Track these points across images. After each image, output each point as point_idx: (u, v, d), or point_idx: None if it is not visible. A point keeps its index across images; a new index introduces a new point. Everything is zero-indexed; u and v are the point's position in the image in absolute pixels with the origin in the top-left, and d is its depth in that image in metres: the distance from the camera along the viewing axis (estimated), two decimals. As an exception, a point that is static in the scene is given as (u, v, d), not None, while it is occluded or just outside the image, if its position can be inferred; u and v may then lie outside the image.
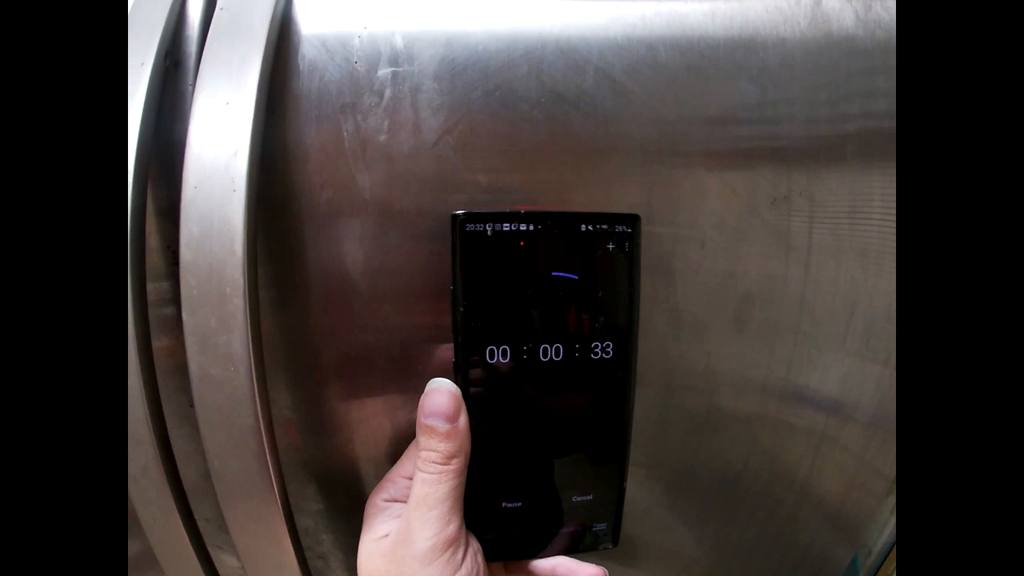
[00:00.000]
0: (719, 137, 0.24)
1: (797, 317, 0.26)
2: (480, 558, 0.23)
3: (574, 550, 0.24)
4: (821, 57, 0.25)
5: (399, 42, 0.22)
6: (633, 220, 0.22)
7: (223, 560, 0.29)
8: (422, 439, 0.21)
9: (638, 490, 0.27)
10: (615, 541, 0.25)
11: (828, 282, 0.26)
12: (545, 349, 0.21)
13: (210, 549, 0.28)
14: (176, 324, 0.24)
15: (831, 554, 0.33)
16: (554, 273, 0.21)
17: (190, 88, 0.24)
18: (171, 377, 0.25)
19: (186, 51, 0.25)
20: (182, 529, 0.25)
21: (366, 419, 0.25)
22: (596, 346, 0.22)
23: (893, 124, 0.26)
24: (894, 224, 0.27)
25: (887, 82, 0.26)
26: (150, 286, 0.24)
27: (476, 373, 0.21)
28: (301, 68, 0.22)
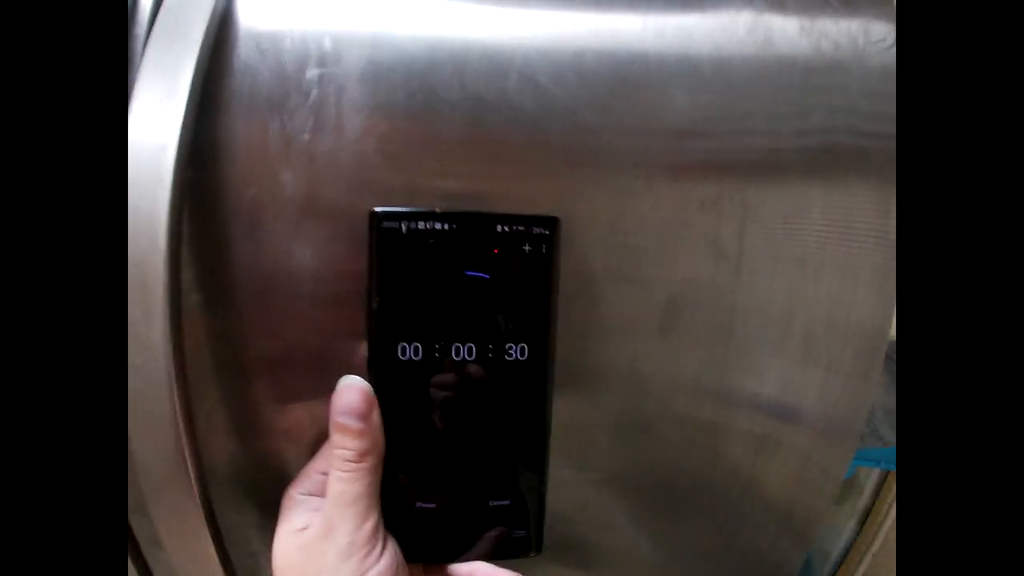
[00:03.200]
0: (645, 146, 0.24)
1: (729, 322, 0.26)
2: (399, 554, 0.23)
3: (495, 556, 0.25)
4: (762, 72, 0.26)
5: (327, 44, 0.23)
6: (551, 223, 0.23)
7: (158, 556, 0.30)
8: (335, 437, 0.22)
9: (575, 484, 0.27)
10: (538, 549, 0.26)
11: (763, 288, 0.27)
12: (457, 348, 0.22)
13: (144, 547, 0.29)
14: None
15: (783, 556, 0.34)
16: (468, 272, 0.22)
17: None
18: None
19: (134, 48, 0.26)
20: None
21: (289, 417, 0.26)
22: (510, 347, 0.23)
23: (840, 138, 0.27)
24: (836, 232, 0.28)
25: (836, 98, 0.27)
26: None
27: (387, 370, 0.22)
28: (236, 67, 0.24)
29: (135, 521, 0.28)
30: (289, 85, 0.23)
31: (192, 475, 0.24)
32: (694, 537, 0.33)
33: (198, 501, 0.24)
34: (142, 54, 0.26)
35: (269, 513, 0.28)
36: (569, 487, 0.27)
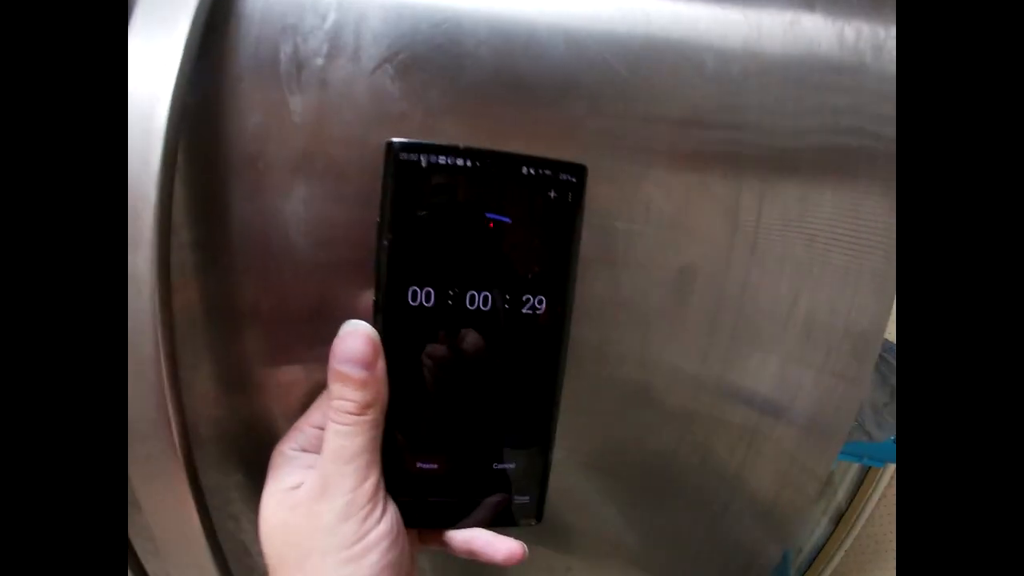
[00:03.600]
0: (675, 111, 0.23)
1: (738, 305, 0.26)
2: (399, 516, 0.22)
3: (494, 523, 0.24)
4: (784, 68, 0.26)
5: (349, -35, 0.22)
6: (579, 170, 0.21)
7: (133, 519, 0.28)
8: (335, 387, 0.21)
9: (561, 465, 0.26)
10: (539, 517, 0.24)
11: (771, 279, 0.27)
12: (472, 296, 0.21)
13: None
14: None
15: (762, 550, 0.34)
16: (488, 214, 0.21)
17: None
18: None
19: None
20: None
21: (281, 369, 0.24)
22: (528, 299, 0.21)
23: (852, 139, 0.27)
24: (845, 232, 0.27)
25: (850, 98, 0.27)
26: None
27: (396, 316, 0.21)
28: (247, -14, 0.22)
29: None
30: (305, 6, 0.21)
31: (174, 428, 0.22)
32: (676, 524, 0.32)
33: (179, 455, 0.22)
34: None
35: (254, 473, 0.27)
36: (556, 467, 0.26)
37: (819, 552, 0.76)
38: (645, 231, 0.25)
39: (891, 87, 0.27)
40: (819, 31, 0.26)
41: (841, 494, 0.81)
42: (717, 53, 0.25)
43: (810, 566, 0.75)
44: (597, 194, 0.23)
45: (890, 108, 0.27)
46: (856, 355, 0.30)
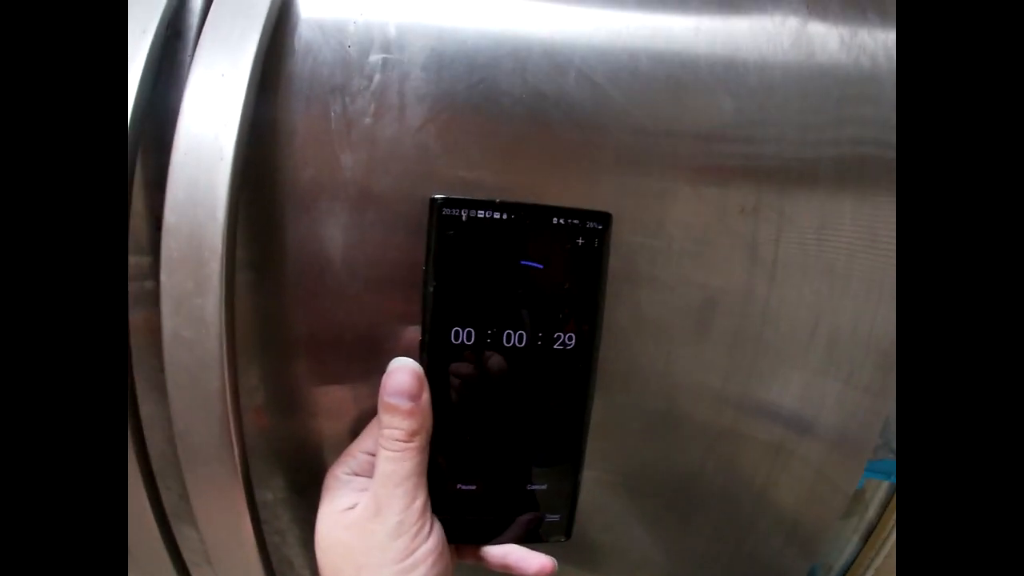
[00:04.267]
0: (693, 149, 0.25)
1: (759, 327, 0.27)
2: (443, 533, 0.24)
3: (527, 539, 0.26)
4: (802, 80, 0.28)
5: (392, 31, 0.24)
6: (605, 218, 0.24)
7: (182, 531, 0.30)
8: (385, 417, 0.23)
9: (590, 487, 0.29)
10: (568, 534, 0.27)
11: (793, 295, 0.28)
12: (508, 335, 0.23)
13: (171, 519, 0.29)
14: (152, 296, 0.25)
15: (789, 566, 0.35)
16: (523, 262, 0.23)
17: (188, 59, 0.26)
18: (145, 347, 0.26)
19: (188, 22, 0.26)
20: (143, 493, 0.27)
21: (331, 396, 0.26)
22: (559, 336, 0.24)
23: (870, 150, 0.28)
24: (864, 245, 0.29)
25: (869, 109, 0.29)
26: (132, 259, 0.25)
27: (440, 353, 0.23)
28: (297, 48, 0.24)
29: (165, 497, 0.28)
30: (352, 68, 0.23)
31: (236, 452, 0.24)
32: (703, 541, 0.33)
33: (239, 477, 0.25)
34: (198, 28, 0.26)
35: (302, 491, 0.29)
36: (585, 488, 0.28)
37: (848, 570, 0.74)
38: (670, 248, 0.26)
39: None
40: (830, 40, 0.28)
41: (872, 512, 0.80)
42: (733, 93, 0.26)
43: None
44: (621, 215, 0.24)
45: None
46: (881, 367, 0.31)
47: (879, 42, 0.29)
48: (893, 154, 0.29)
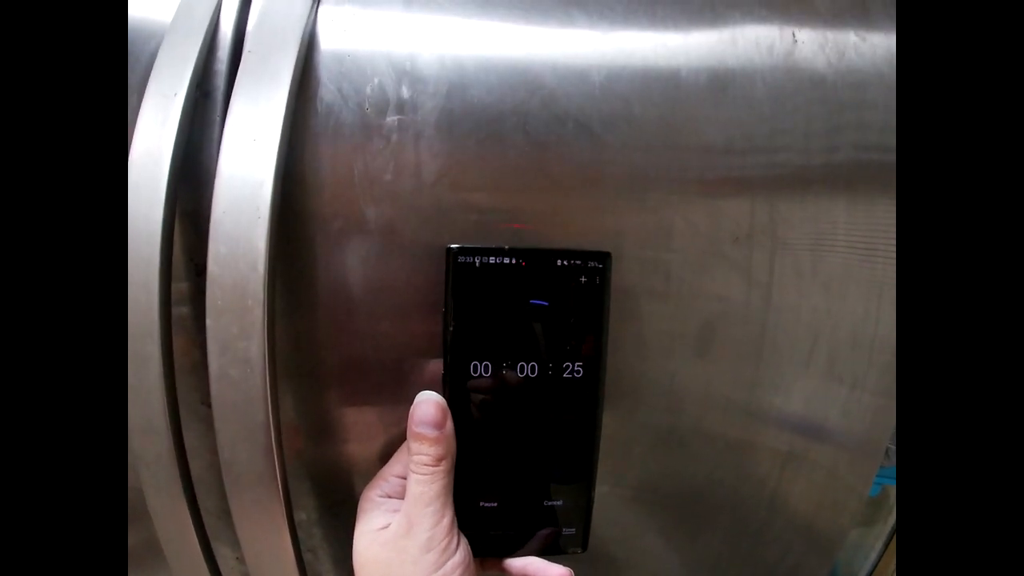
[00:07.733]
0: (685, 179, 0.29)
1: (759, 344, 0.31)
2: (469, 548, 0.28)
3: (546, 552, 0.29)
4: (789, 99, 0.30)
5: (405, 93, 0.27)
6: (604, 257, 0.27)
7: (219, 550, 0.34)
8: (413, 444, 0.26)
9: (604, 501, 0.32)
10: (584, 546, 0.30)
11: (790, 312, 0.31)
12: (522, 366, 0.27)
13: (209, 538, 0.33)
14: (189, 325, 0.29)
15: (807, 571, 0.37)
16: (532, 301, 0.26)
17: (218, 118, 0.30)
18: (183, 376, 0.30)
19: (215, 84, 0.30)
20: (187, 515, 0.30)
21: (360, 423, 0.30)
22: (567, 365, 0.27)
23: (860, 156, 0.30)
24: (857, 254, 0.32)
25: (863, 116, 0.30)
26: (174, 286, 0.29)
27: (461, 384, 0.27)
28: (319, 110, 0.28)
29: (208, 521, 0.32)
30: (371, 129, 0.27)
31: (279, 479, 0.28)
32: (718, 551, 0.36)
33: (281, 502, 0.28)
34: (225, 89, 0.30)
35: (334, 511, 0.33)
36: (599, 502, 0.31)
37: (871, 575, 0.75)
38: (679, 272, 0.29)
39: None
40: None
41: (895, 518, 0.79)
42: (722, 126, 0.30)
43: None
44: (624, 227, 0.28)
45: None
46: (888, 369, 0.33)
47: (866, 60, 0.31)
48: (888, 157, 0.31)
